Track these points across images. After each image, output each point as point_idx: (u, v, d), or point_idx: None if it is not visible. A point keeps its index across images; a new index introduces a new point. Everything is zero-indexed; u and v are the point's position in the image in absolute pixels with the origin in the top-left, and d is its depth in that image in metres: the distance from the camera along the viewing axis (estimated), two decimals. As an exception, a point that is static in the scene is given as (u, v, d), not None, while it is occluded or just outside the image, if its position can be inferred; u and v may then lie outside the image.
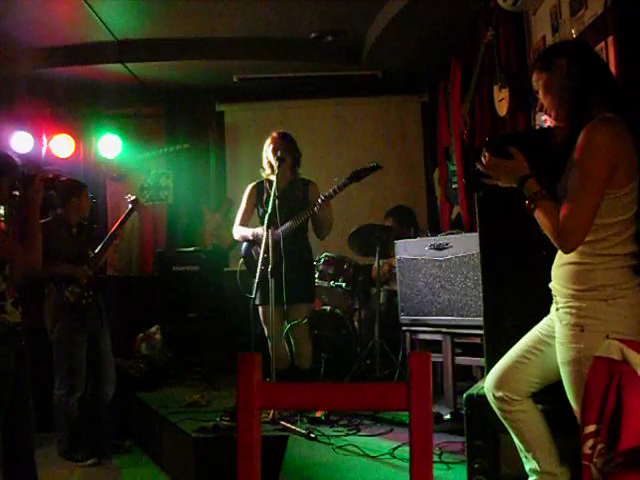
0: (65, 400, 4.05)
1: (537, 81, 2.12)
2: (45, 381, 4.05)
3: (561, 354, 1.99)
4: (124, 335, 5.24)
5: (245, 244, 4.33)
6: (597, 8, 3.26)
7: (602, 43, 3.19)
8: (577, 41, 3.26)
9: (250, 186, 4.39)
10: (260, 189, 4.32)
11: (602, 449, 1.75)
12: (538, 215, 1.98)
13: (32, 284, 4.18)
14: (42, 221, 4.03)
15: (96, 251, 4.28)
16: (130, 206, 4.52)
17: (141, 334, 5.52)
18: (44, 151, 6.10)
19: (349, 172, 4.11)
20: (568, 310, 1.97)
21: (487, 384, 2.24)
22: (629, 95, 2.82)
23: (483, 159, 2.10)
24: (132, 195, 4.60)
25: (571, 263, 1.99)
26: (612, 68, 3.04)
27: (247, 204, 4.35)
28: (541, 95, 2.12)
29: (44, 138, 6.12)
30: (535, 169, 2.03)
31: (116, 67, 5.98)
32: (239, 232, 4.33)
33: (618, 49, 2.99)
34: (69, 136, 6.26)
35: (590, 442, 1.78)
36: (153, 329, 5.56)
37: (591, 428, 1.78)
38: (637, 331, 1.92)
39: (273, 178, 4.00)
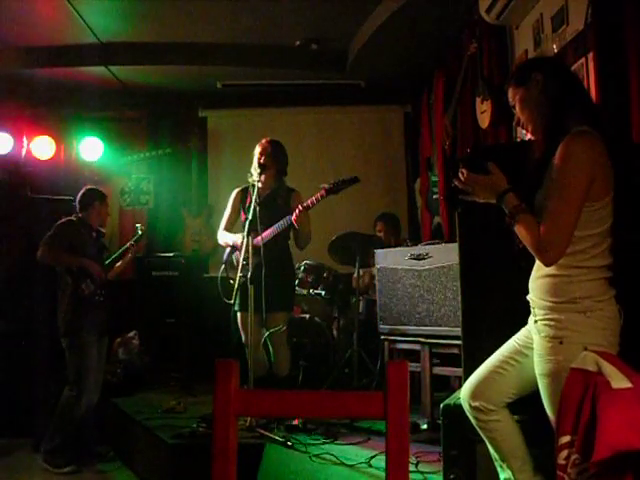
0: (73, 402, 4.09)
1: (513, 96, 2.15)
2: (25, 385, 4.01)
3: (539, 366, 2.00)
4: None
5: (227, 250, 4.33)
6: (578, 25, 3.31)
7: (582, 59, 3.25)
8: (551, 57, 3.32)
9: (235, 191, 4.38)
10: (245, 194, 4.31)
11: (576, 460, 1.76)
12: (519, 229, 1.98)
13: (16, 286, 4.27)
14: (65, 219, 4.33)
15: (107, 262, 4.56)
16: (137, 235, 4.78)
17: (119, 339, 5.47)
18: (24, 153, 6.03)
19: (328, 182, 4.11)
20: (547, 322, 1.98)
21: (463, 393, 2.24)
22: (607, 111, 2.87)
23: (461, 175, 2.11)
24: (142, 226, 4.86)
25: (549, 275, 2.00)
26: (592, 84, 3.09)
27: (232, 209, 4.35)
28: (518, 110, 2.14)
29: (24, 139, 6.05)
30: (514, 183, 2.04)
31: (99, 70, 5.94)
32: (222, 238, 4.32)
33: (598, 65, 3.03)
34: (50, 138, 6.19)
35: (564, 453, 1.79)
36: (131, 334, 5.52)
37: (566, 439, 1.79)
38: (613, 343, 1.94)
39: (257, 184, 4.00)
